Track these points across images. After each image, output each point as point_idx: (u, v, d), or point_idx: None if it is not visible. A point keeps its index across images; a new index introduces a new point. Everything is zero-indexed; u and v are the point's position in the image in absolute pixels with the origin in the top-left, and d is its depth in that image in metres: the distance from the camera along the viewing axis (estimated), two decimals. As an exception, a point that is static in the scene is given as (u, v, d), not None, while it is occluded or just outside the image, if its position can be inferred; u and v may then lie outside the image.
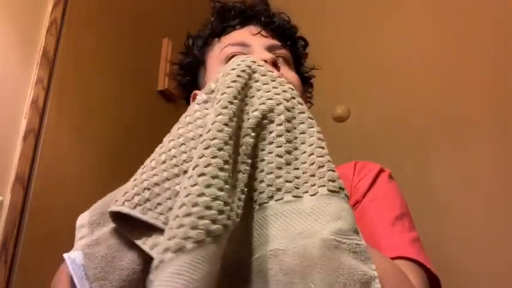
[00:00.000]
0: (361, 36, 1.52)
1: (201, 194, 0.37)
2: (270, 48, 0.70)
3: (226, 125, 0.43)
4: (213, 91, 0.50)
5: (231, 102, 0.46)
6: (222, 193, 0.38)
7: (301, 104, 0.51)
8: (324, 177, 0.44)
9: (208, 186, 0.38)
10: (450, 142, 1.29)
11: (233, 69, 0.50)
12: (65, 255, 0.48)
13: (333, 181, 0.44)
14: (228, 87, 0.47)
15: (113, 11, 1.12)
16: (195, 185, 0.38)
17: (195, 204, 0.36)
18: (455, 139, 1.28)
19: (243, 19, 0.74)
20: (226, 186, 0.39)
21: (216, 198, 0.37)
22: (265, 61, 0.62)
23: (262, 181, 0.45)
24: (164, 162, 0.45)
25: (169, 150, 0.46)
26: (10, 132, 0.82)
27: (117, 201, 0.44)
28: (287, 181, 0.45)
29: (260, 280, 0.40)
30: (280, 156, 0.46)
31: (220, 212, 0.37)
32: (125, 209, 0.43)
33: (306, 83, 0.80)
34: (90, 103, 1.01)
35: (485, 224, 1.16)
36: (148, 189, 0.43)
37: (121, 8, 1.16)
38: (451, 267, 1.15)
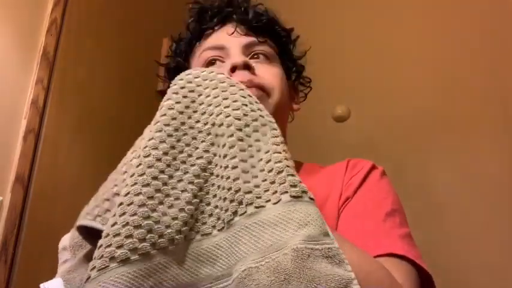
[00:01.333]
0: (361, 36, 1.52)
1: (114, 223, 0.39)
2: (246, 47, 0.69)
3: (156, 148, 0.44)
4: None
5: (168, 124, 0.46)
6: (134, 217, 0.39)
7: (254, 110, 0.49)
8: (284, 183, 0.43)
9: (122, 214, 0.40)
10: (450, 142, 1.29)
11: (177, 90, 0.51)
12: (41, 285, 0.49)
13: (295, 186, 0.43)
14: (170, 108, 0.48)
15: (112, 11, 1.12)
16: (114, 215, 0.40)
17: (106, 235, 0.39)
18: (455, 139, 1.28)
19: (220, 19, 0.72)
20: (142, 209, 0.40)
21: (126, 224, 0.39)
22: (236, 67, 0.63)
23: (225, 198, 0.44)
24: (125, 172, 0.46)
25: (131, 161, 0.46)
26: (10, 132, 0.82)
27: (80, 217, 0.46)
28: (246, 192, 0.43)
29: None
30: (235, 167, 0.44)
31: (128, 236, 0.38)
32: (85, 222, 0.44)
33: (293, 76, 0.77)
34: (90, 103, 1.01)
35: (485, 224, 1.16)
36: (108, 199, 0.45)
37: (121, 8, 1.16)
38: (450, 267, 1.14)
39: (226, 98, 0.50)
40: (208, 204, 0.45)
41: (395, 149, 1.34)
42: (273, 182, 0.43)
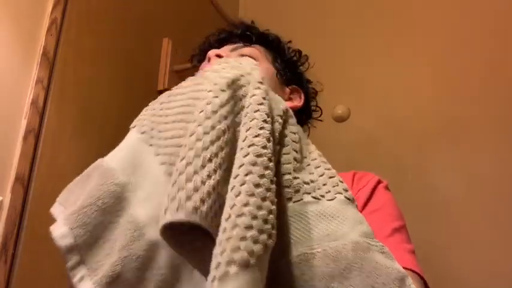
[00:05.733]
0: (361, 36, 1.52)
1: (259, 207, 0.36)
2: (232, 51, 0.80)
3: (265, 155, 0.41)
4: (239, 87, 0.48)
5: (266, 121, 0.44)
6: (274, 207, 0.38)
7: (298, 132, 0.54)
8: (337, 186, 0.46)
9: (264, 199, 0.37)
10: (450, 142, 1.29)
11: (258, 88, 0.49)
12: None
13: (347, 191, 0.46)
14: (257, 110, 0.45)
15: (113, 10, 1.12)
16: (252, 195, 0.37)
17: (254, 217, 0.36)
18: (455, 139, 1.28)
19: (219, 43, 0.85)
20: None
21: (270, 212, 0.37)
22: (210, 57, 0.76)
23: (279, 183, 0.45)
24: (210, 160, 0.40)
25: (207, 148, 0.41)
26: (10, 132, 0.82)
27: (178, 208, 0.38)
28: (305, 182, 0.45)
29: (293, 287, 0.40)
30: (296, 160, 0.47)
31: (273, 226, 0.37)
32: (202, 221, 0.37)
33: (285, 73, 0.83)
34: (90, 103, 1.01)
35: (485, 224, 1.16)
36: (209, 195, 0.38)
37: (121, 7, 1.16)
38: (450, 267, 1.15)
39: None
40: None
41: (395, 148, 1.34)
42: (325, 184, 0.46)
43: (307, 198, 0.44)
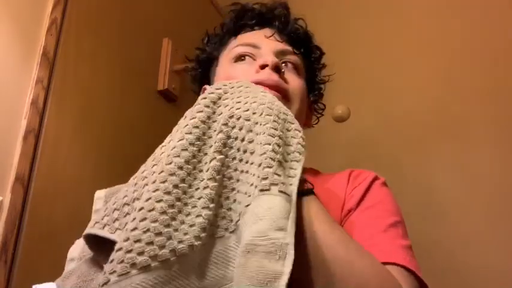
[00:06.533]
0: (361, 36, 1.53)
1: (134, 228, 0.39)
2: (280, 53, 0.70)
3: (178, 156, 0.44)
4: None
5: (190, 133, 0.46)
6: (156, 224, 0.39)
7: (270, 108, 0.48)
8: (259, 176, 0.42)
9: (142, 219, 0.40)
10: (450, 142, 1.29)
11: (203, 98, 0.51)
12: (33, 287, 0.51)
13: (265, 179, 0.42)
14: (192, 118, 0.48)
15: (113, 11, 1.12)
16: (134, 219, 0.40)
17: (127, 239, 0.39)
18: (455, 139, 1.28)
19: (260, 21, 0.74)
20: (163, 217, 0.40)
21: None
22: (266, 65, 0.64)
23: (240, 202, 0.44)
24: (136, 184, 0.47)
25: (142, 172, 0.47)
26: (10, 132, 0.82)
27: (94, 225, 0.46)
28: (244, 193, 0.44)
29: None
30: (246, 172, 0.45)
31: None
32: (94, 230, 0.45)
33: (314, 94, 0.79)
34: (90, 103, 1.01)
35: (485, 224, 1.16)
36: (118, 209, 0.46)
37: (121, 8, 1.16)
38: (450, 267, 1.15)
39: (240, 102, 0.50)
40: (229, 208, 0.45)
41: (395, 149, 1.34)
42: (258, 177, 0.43)
43: (244, 209, 0.44)
